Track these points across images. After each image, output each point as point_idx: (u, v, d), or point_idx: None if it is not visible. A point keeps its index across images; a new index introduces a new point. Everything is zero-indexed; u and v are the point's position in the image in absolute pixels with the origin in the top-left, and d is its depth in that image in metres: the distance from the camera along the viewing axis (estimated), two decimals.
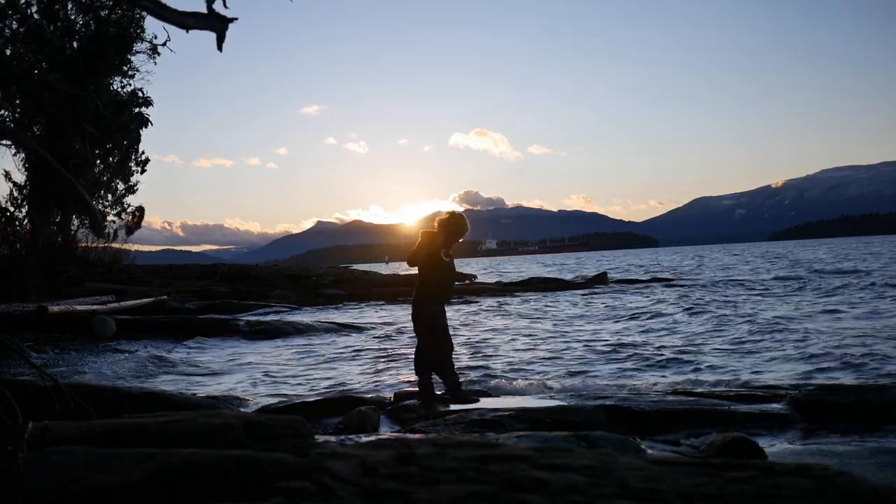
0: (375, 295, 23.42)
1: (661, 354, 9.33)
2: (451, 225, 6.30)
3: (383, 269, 63.15)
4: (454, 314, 17.17)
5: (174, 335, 13.07)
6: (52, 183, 19.88)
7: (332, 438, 4.63)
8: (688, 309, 15.56)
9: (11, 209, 22.31)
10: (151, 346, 12.05)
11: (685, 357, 9.11)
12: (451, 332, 6.63)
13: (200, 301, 19.26)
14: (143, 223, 27.90)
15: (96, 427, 3.06)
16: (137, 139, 24.87)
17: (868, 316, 12.99)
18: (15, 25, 15.19)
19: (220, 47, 7.35)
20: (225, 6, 7.31)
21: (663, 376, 7.88)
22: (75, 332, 12.41)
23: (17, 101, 17.62)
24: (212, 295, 20.90)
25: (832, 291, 18.87)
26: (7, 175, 22.99)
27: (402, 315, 17.27)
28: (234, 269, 28.13)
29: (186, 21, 7.28)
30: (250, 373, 8.95)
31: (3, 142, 16.58)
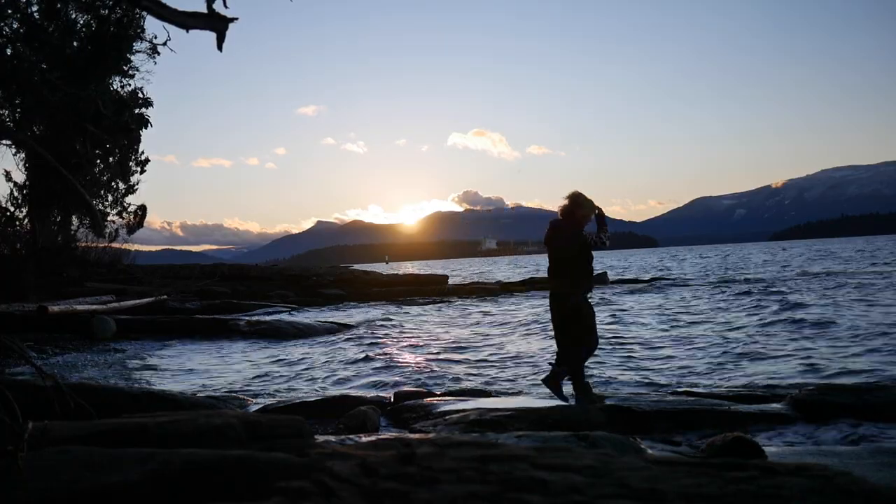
0: (375, 295, 23.44)
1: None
2: (579, 205, 5.91)
3: (383, 269, 63.19)
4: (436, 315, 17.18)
5: (174, 335, 13.08)
6: (52, 183, 19.91)
7: (332, 438, 4.62)
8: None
9: (11, 209, 22.35)
10: (151, 346, 12.06)
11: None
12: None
13: (200, 301, 19.27)
14: (143, 223, 27.94)
15: (96, 427, 3.06)
16: (137, 139, 24.91)
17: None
18: (15, 25, 15.20)
19: (220, 47, 7.36)
20: (225, 6, 7.32)
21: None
22: (75, 332, 12.43)
23: (18, 101, 17.62)
24: (212, 295, 20.92)
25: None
26: (7, 175, 23.04)
27: (402, 315, 17.27)
28: (234, 269, 28.13)
29: (186, 21, 7.29)
30: (250, 373, 8.95)
31: (3, 142, 16.59)
